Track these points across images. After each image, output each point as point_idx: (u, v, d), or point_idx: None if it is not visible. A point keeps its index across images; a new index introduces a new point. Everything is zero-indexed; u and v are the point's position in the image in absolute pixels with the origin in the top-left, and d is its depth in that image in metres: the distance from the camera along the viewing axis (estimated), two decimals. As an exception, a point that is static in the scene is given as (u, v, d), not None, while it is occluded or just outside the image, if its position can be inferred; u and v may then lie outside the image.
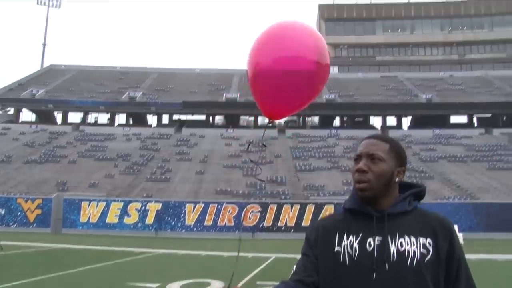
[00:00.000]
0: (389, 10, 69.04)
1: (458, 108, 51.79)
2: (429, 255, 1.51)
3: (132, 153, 42.32)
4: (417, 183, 1.73)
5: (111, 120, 54.77)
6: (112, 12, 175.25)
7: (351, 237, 1.60)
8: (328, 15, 70.71)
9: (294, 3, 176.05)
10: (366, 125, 54.94)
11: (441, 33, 68.80)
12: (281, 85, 3.00)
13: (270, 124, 3.31)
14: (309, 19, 79.82)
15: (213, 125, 54.84)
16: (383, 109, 52.84)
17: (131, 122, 56.26)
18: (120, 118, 56.01)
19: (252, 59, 3.17)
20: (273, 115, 3.27)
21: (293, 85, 3.00)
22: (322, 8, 72.02)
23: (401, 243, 1.54)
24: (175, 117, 55.96)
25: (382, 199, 1.63)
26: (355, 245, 1.57)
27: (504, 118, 52.91)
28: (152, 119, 56.95)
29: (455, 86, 56.27)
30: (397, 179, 1.65)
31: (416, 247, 1.52)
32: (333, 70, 65.86)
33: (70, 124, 52.92)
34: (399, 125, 55.06)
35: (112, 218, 29.20)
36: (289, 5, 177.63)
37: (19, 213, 29.21)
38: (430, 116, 51.57)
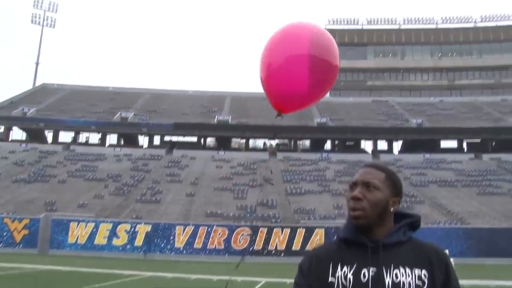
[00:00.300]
0: (380, 35, 69.97)
1: (448, 133, 52.22)
2: (425, 287, 1.49)
3: (122, 173, 42.07)
4: (412, 213, 1.71)
5: (102, 140, 54.52)
6: (106, 32, 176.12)
7: (345, 268, 1.57)
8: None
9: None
10: (357, 149, 55.12)
11: (431, 59, 69.72)
12: (293, 80, 3.09)
13: (280, 116, 3.33)
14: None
15: (204, 147, 54.75)
16: (374, 133, 53.09)
17: (122, 142, 56.04)
18: (111, 138, 55.92)
19: (264, 59, 3.26)
20: (283, 107, 3.33)
21: (304, 82, 3.10)
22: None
23: (396, 274, 1.51)
24: (167, 138, 55.85)
25: (376, 229, 1.61)
26: (349, 276, 1.54)
27: (493, 144, 53.39)
28: (143, 140, 56.83)
29: (445, 111, 56.79)
30: (392, 209, 1.64)
31: (412, 278, 1.50)
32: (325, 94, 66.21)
33: (61, 143, 52.62)
34: (390, 149, 55.27)
35: (100, 239, 28.85)
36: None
37: (5, 233, 28.73)
38: (421, 141, 51.87)
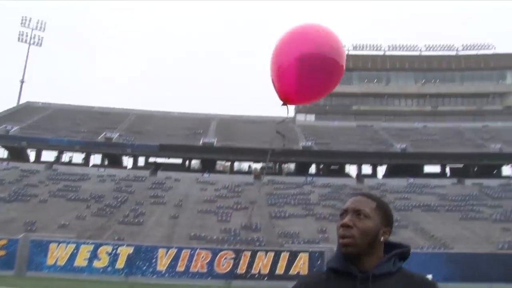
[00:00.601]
0: (365, 61, 70.80)
1: (432, 158, 52.72)
2: None
3: (105, 194, 41.53)
4: (402, 243, 1.66)
5: (86, 160, 53.94)
6: (93, 52, 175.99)
7: None
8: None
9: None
10: (341, 173, 55.22)
11: (415, 85, 70.63)
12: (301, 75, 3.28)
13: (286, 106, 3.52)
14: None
15: (189, 169, 54.43)
16: (358, 158, 53.36)
17: (106, 163, 55.42)
18: (95, 159, 55.19)
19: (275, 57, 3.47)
20: (288, 98, 3.48)
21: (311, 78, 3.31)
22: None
23: None
24: (151, 159, 55.45)
25: (366, 258, 1.56)
26: None
27: (475, 169, 53.92)
28: (127, 161, 56.28)
29: (428, 137, 57.37)
30: (382, 239, 1.59)
31: None
32: (310, 118, 66.75)
33: (44, 162, 51.89)
34: (374, 174, 55.49)
35: (81, 261, 28.18)
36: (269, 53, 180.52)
37: (-19, 254, 27.98)
38: (405, 166, 52.16)
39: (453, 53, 71.26)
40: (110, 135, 53.13)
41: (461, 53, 71.01)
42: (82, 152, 53.57)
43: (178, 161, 55.14)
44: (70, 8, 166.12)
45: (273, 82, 3.51)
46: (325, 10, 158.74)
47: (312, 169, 57.09)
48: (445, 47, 71.37)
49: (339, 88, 68.14)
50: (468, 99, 69.01)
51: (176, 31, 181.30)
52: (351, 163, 55.62)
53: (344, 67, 3.45)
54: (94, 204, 38.76)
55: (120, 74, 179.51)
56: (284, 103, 3.51)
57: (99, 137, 52.75)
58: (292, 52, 3.29)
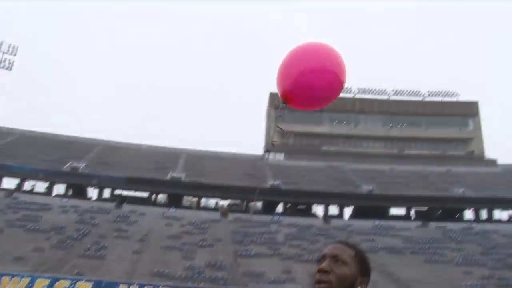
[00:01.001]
0: (336, 103, 71.34)
1: (397, 201, 53.26)
2: None
3: (67, 226, 40.10)
4: None
5: (49, 190, 52.27)
6: (64, 78, 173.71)
7: None
8: (278, 103, 72.66)
9: (246, 89, 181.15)
10: (308, 213, 55.05)
11: (382, 128, 72.08)
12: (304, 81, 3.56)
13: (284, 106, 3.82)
14: (260, 106, 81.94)
15: (155, 203, 53.38)
16: (326, 198, 53.42)
17: (70, 193, 53.79)
18: (59, 188, 53.47)
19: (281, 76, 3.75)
20: (290, 98, 3.73)
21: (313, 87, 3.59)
22: (272, 96, 74.10)
23: None
24: (117, 192, 54.18)
25: None
26: None
27: (439, 212, 54.65)
28: (92, 192, 54.77)
29: (395, 179, 58.06)
30: None
31: None
32: (280, 157, 66.90)
33: (3, 190, 49.90)
34: (340, 215, 55.49)
35: (36, 296, 26.90)
36: (240, 91, 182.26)
37: None
38: (371, 207, 52.45)
39: (419, 98, 73.65)
40: (76, 165, 51.86)
41: (427, 99, 73.60)
42: (46, 181, 51.91)
43: (145, 194, 54.07)
44: (45, 33, 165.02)
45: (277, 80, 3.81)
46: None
47: (279, 208, 56.79)
48: (412, 93, 73.61)
49: (309, 128, 69.44)
50: (433, 144, 70.84)
51: (150, 62, 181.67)
52: (318, 203, 55.57)
53: (344, 84, 3.71)
54: (54, 235, 37.30)
55: (90, 103, 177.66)
56: (284, 102, 3.77)
57: (65, 167, 51.43)
58: (297, 64, 3.60)
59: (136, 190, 53.36)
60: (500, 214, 56.39)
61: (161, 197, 56.01)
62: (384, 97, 73.88)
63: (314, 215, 55.00)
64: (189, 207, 53.97)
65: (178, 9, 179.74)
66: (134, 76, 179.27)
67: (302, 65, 3.57)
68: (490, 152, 70.06)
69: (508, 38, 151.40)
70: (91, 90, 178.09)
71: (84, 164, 52.71)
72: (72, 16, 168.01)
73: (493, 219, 55.08)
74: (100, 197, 53.29)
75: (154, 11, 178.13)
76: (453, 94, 73.66)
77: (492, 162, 66.61)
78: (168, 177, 52.63)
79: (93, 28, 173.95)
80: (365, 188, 54.21)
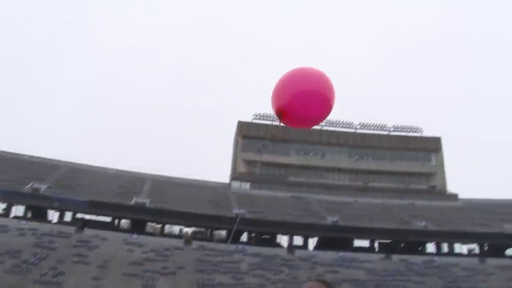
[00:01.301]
0: (303, 134, 72.51)
1: (361, 233, 53.53)
2: None
3: (23, 249, 38.52)
4: None
5: (7, 211, 50.26)
6: (28, 96, 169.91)
7: None
8: (246, 132, 72.95)
9: (214, 117, 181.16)
10: (273, 243, 54.69)
11: (348, 161, 72.96)
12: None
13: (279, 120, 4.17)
14: (229, 134, 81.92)
15: (118, 229, 52.06)
16: (291, 229, 53.22)
17: (29, 215, 51.88)
18: (18, 210, 51.50)
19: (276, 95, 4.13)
20: (285, 114, 4.06)
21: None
22: (240, 125, 74.45)
23: None
24: (79, 215, 52.59)
25: None
26: None
27: (402, 245, 55.08)
28: (53, 215, 52.97)
29: (359, 211, 58.54)
30: None
31: None
32: (245, 186, 66.63)
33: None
34: (305, 245, 55.26)
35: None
36: (209, 119, 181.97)
37: None
38: (335, 239, 52.48)
39: (385, 132, 75.22)
40: (37, 186, 50.25)
41: (393, 133, 75.23)
42: (4, 202, 49.93)
43: (107, 219, 52.70)
44: (10, 50, 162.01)
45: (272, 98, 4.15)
46: (264, 85, 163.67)
47: (244, 237, 56.24)
48: (378, 127, 75.23)
49: (276, 158, 69.63)
50: (397, 177, 72.07)
51: (119, 84, 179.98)
52: (283, 233, 55.34)
53: (333, 107, 4.13)
54: (9, 259, 35.77)
55: (55, 124, 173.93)
56: (279, 116, 4.09)
57: (25, 187, 49.75)
58: (292, 86, 3.99)
59: (98, 214, 51.92)
60: (460, 248, 57.36)
61: (124, 222, 54.66)
62: (351, 130, 75.20)
63: (279, 245, 54.66)
64: (152, 234, 52.86)
65: (145, 37, 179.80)
66: (101, 100, 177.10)
67: (296, 88, 3.94)
68: (451, 186, 71.81)
69: (469, 76, 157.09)
70: (54, 110, 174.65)
71: (46, 186, 51.17)
72: (38, 29, 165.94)
73: (454, 252, 55.98)
74: (61, 220, 51.56)
75: (113, 32, 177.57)
76: (417, 129, 75.80)
77: (454, 197, 68.12)
78: (132, 202, 51.61)
79: (61, 45, 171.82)
80: (330, 219, 54.38)
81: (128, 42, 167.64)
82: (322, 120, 4.30)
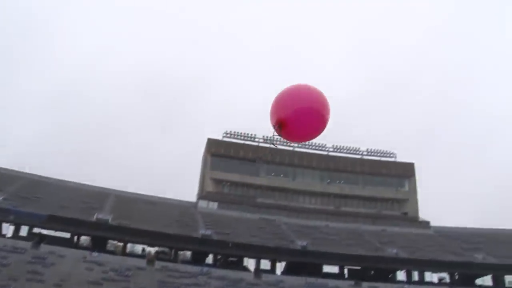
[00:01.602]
0: (274, 155, 73.21)
1: (331, 258, 53.95)
2: None
3: (-26, 265, 37.83)
4: None
5: (-43, 225, 49.05)
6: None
7: None
8: (215, 151, 73.28)
9: (183, 135, 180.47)
10: (239, 266, 54.67)
11: (320, 184, 73.85)
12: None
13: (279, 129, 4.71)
14: (197, 152, 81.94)
15: (77, 246, 51.30)
16: (258, 252, 53.35)
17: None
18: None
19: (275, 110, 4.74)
20: (284, 124, 4.59)
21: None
22: (210, 142, 74.66)
23: None
24: (36, 230, 51.59)
25: None
26: None
27: (372, 272, 55.83)
28: (8, 229, 51.80)
29: (329, 236, 59.13)
30: None
31: None
32: (213, 205, 66.66)
33: None
34: (272, 270, 55.41)
35: None
36: (177, 138, 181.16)
37: None
38: (304, 264, 52.84)
39: (358, 156, 76.59)
40: (-8, 198, 49.29)
41: (365, 157, 76.61)
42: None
43: (66, 235, 51.84)
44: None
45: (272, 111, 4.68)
46: (233, 110, 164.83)
47: (210, 259, 56.09)
48: (351, 150, 76.61)
49: (245, 179, 69.96)
50: (369, 202, 73.23)
51: (82, 97, 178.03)
52: (250, 256, 55.35)
53: (327, 123, 4.73)
54: (-42, 275, 35.09)
55: (17, 133, 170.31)
56: (279, 126, 4.58)
57: (-21, 200, 48.76)
58: (288, 104, 4.55)
59: (57, 229, 50.94)
60: (431, 276, 58.30)
61: (84, 239, 53.88)
62: (323, 152, 76.31)
63: (245, 269, 54.65)
64: (113, 252, 52.25)
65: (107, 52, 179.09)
66: (64, 110, 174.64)
67: (294, 105, 4.51)
68: (423, 214, 73.29)
69: (448, 102, 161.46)
70: (19, 120, 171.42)
71: (2, 198, 50.20)
72: None
73: (424, 281, 56.83)
74: (16, 235, 50.43)
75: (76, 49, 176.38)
76: (390, 154, 77.48)
77: (425, 224, 69.55)
78: (94, 218, 51.00)
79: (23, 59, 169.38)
80: (299, 243, 54.80)
81: (86, 61, 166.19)
82: (317, 135, 4.86)
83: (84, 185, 62.50)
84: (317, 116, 4.63)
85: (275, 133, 4.69)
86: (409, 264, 55.57)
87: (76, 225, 49.57)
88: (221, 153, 72.91)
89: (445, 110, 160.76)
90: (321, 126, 4.73)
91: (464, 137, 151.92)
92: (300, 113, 4.50)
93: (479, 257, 54.19)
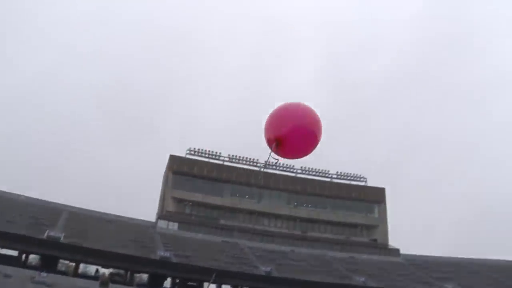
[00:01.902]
0: (239, 174, 73.32)
1: (296, 285, 53.84)
2: None
3: None
4: None
5: None
6: None
7: None
8: (177, 168, 72.75)
9: (145, 152, 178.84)
10: (198, 291, 54.27)
11: (287, 207, 74.07)
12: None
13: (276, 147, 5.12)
14: (158, 169, 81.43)
15: (25, 265, 50.01)
16: (220, 276, 52.89)
17: None
18: None
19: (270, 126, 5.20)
20: (281, 140, 5.01)
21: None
22: (172, 159, 74.15)
23: None
24: (-22, 247, 50.23)
25: None
26: None
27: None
28: None
29: (295, 262, 59.24)
30: None
31: None
32: (173, 226, 66.06)
33: None
34: (232, 295, 55.21)
35: None
36: (138, 154, 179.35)
37: None
38: (265, 290, 52.78)
39: (327, 179, 77.27)
40: None
41: (335, 180, 77.38)
42: None
43: (14, 253, 50.55)
44: None
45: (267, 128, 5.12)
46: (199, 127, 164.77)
47: (168, 282, 55.47)
48: (320, 173, 77.16)
49: (208, 199, 69.74)
50: (337, 228, 73.76)
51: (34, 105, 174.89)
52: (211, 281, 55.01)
53: (319, 141, 5.18)
54: None
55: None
56: (276, 145, 4.98)
57: None
58: (281, 123, 5.02)
59: (3, 247, 49.69)
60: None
61: (33, 258, 52.64)
62: (291, 174, 76.73)
63: (202, 294, 54.26)
64: (64, 273, 51.15)
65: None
66: (16, 117, 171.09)
67: (288, 124, 4.91)
68: (393, 241, 74.33)
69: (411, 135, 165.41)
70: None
71: None
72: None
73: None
74: (-46, 252, 49.07)
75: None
76: (361, 178, 78.42)
77: (395, 252, 70.35)
78: (44, 236, 49.80)
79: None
80: (263, 269, 54.69)
81: (43, 70, 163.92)
82: (308, 153, 5.28)
83: (35, 199, 61.11)
84: (312, 134, 5.08)
85: (271, 150, 5.06)
86: (376, 293, 56.17)
87: (24, 243, 48.31)
88: (183, 171, 72.45)
89: (415, 138, 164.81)
90: (316, 143, 5.15)
91: (432, 168, 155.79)
92: (298, 131, 4.93)
93: (449, 287, 55.18)
